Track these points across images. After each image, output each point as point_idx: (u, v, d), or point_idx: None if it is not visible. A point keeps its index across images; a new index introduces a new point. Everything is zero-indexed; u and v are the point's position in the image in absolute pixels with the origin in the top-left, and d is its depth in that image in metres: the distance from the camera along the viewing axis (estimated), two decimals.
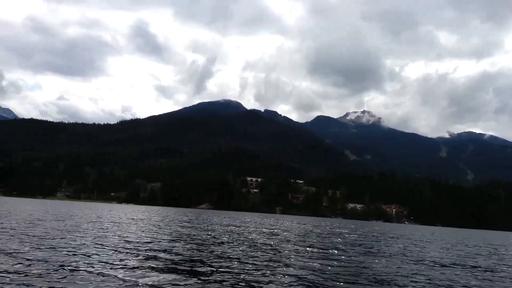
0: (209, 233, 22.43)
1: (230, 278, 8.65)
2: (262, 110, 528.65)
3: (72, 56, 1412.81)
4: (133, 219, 33.96)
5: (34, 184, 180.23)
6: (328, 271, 10.46)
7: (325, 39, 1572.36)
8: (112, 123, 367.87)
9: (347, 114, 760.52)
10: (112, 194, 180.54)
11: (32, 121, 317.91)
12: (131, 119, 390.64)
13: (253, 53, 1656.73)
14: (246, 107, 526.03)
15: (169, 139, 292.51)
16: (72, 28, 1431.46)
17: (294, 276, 9.33)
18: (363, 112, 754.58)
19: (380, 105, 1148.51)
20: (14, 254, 9.83)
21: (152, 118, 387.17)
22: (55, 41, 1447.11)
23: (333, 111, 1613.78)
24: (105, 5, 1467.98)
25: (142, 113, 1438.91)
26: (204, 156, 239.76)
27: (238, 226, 32.73)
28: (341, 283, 8.93)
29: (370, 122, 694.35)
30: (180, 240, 16.74)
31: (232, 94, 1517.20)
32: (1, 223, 19.07)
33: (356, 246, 19.73)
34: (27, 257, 9.38)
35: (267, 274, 9.32)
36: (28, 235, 14.38)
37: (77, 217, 30.01)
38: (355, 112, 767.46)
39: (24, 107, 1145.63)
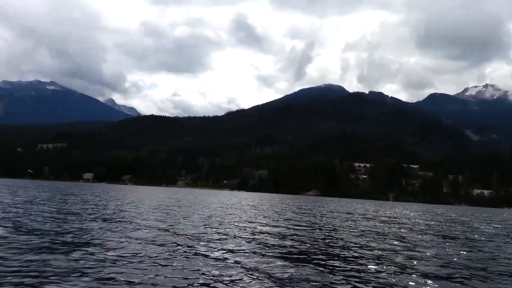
0: (324, 219, 21.23)
1: (361, 271, 7.32)
2: (367, 92, 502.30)
3: (181, 55, 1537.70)
4: (251, 205, 34.57)
5: (158, 174, 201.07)
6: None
7: (436, 8, 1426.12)
8: (219, 115, 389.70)
9: (466, 90, 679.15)
10: (224, 182, 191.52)
11: (152, 117, 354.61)
12: (236, 110, 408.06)
13: (354, 32, 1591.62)
14: (349, 90, 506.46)
15: (273, 127, 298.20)
16: (179, 28, 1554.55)
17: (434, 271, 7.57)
18: (486, 86, 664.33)
19: (506, 76, 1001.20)
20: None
21: (255, 108, 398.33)
22: (165, 42, 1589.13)
23: (449, 87, 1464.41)
24: (206, 2, 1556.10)
25: (246, 104, 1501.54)
26: (309, 142, 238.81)
27: (351, 213, 30.88)
28: None
29: (495, 97, 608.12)
30: (301, 226, 15.90)
31: (333, 78, 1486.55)
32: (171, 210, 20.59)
33: None
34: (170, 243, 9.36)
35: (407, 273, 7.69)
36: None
37: (202, 204, 31.58)
38: (476, 86, 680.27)
39: (145, 105, 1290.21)
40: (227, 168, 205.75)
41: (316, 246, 10.48)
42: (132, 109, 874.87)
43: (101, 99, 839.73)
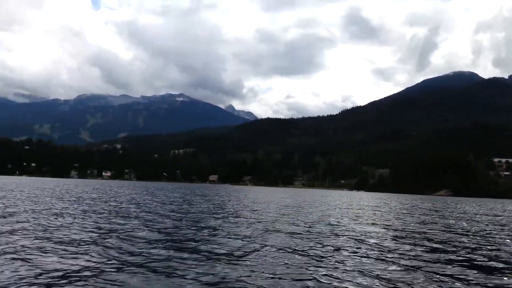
0: (471, 224, 17.68)
1: None
2: (506, 77, 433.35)
3: (293, 57, 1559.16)
4: (373, 206, 31.86)
5: (275, 174, 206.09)
6: None
7: None
8: (334, 113, 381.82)
9: None
10: (341, 181, 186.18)
11: (268, 120, 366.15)
12: (352, 107, 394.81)
13: (487, 10, 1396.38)
14: (483, 76, 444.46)
15: (393, 122, 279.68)
16: (291, 31, 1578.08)
17: None
18: None
19: None
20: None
21: (373, 104, 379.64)
22: (278, 46, 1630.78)
23: None
24: (317, 2, 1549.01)
25: (362, 100, 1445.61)
26: (435, 136, 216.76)
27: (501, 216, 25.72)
28: None
29: None
30: (447, 230, 13.25)
31: (463, 64, 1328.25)
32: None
33: None
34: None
35: None
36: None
37: (327, 205, 30.23)
38: None
39: (261, 109, 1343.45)
40: (345, 167, 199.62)
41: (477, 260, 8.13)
42: (249, 113, 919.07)
43: (222, 106, 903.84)
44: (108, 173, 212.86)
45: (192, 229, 11.51)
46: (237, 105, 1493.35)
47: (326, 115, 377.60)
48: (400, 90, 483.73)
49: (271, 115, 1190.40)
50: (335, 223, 15.49)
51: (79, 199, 24.21)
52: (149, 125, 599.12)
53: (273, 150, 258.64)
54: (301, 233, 11.59)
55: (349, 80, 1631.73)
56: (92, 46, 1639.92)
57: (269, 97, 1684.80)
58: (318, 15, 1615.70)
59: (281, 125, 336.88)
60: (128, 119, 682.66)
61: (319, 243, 9.86)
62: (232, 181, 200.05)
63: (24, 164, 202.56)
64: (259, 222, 14.40)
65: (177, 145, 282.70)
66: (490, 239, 12.61)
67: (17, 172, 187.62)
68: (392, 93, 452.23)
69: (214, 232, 11.00)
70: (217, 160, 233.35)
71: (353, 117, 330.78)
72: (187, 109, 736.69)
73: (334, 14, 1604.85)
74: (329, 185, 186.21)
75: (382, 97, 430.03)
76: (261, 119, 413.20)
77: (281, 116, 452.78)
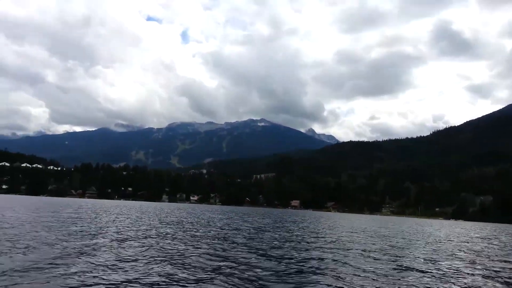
0: None
1: None
2: None
3: (377, 77, 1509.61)
4: (483, 237, 28.53)
5: (360, 200, 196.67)
6: None
7: None
8: (424, 135, 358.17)
9: None
10: (436, 209, 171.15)
11: (351, 143, 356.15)
12: (445, 127, 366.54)
13: None
14: None
15: (493, 143, 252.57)
16: (374, 50, 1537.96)
17: None
18: None
19: None
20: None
21: (469, 123, 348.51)
22: (360, 66, 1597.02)
23: None
24: (403, 18, 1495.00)
25: (456, 120, 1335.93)
26: None
27: None
28: None
29: None
30: None
31: None
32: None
33: None
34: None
35: None
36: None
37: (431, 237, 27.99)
38: None
39: (342, 131, 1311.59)
40: (439, 193, 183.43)
41: None
42: (330, 136, 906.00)
43: (302, 130, 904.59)
44: (195, 197, 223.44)
45: (309, 260, 11.23)
46: (318, 129, 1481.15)
47: (415, 137, 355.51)
48: (501, 107, 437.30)
49: (354, 138, 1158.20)
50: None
51: (180, 223, 25.52)
52: (232, 150, 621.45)
53: (357, 174, 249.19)
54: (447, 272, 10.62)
55: (441, 98, 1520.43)
56: (181, 77, 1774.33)
57: (351, 120, 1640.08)
58: (404, 32, 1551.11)
59: (364, 148, 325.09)
60: (213, 145, 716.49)
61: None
62: (315, 206, 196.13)
63: (122, 188, 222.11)
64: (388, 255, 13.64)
65: (259, 170, 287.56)
66: None
67: (116, 196, 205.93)
68: (491, 111, 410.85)
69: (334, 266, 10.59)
70: (298, 185, 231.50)
71: (446, 138, 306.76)
72: (268, 133, 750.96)
73: (421, 30, 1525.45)
74: (421, 213, 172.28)
75: (480, 115, 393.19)
76: (343, 142, 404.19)
77: (365, 139, 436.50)
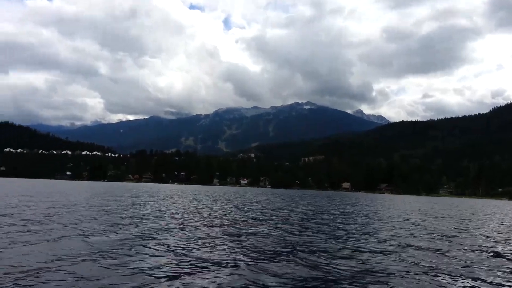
0: None
1: None
2: None
3: (428, 53, 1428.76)
4: None
5: (415, 181, 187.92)
6: None
7: None
8: (483, 112, 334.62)
9: None
10: (499, 189, 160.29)
11: (402, 123, 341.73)
12: (506, 104, 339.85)
13: None
14: None
15: None
16: (425, 25, 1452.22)
17: None
18: None
19: None
20: None
21: None
22: (410, 43, 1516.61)
23: None
24: None
25: None
26: None
27: None
28: None
29: None
30: None
31: None
32: None
33: None
34: None
35: None
36: None
37: None
38: None
39: (393, 111, 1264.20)
40: (503, 172, 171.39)
41: None
42: (380, 117, 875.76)
43: (350, 111, 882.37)
44: (245, 181, 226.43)
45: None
46: (366, 110, 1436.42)
47: (473, 114, 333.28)
48: None
49: (405, 117, 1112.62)
50: None
51: (247, 206, 25.57)
52: (279, 134, 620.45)
53: (410, 154, 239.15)
54: None
55: (500, 73, 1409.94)
56: (225, 63, 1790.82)
57: (402, 99, 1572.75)
58: (457, 4, 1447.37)
59: (418, 127, 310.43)
60: (259, 129, 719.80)
61: None
62: (367, 188, 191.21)
63: (175, 173, 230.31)
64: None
65: (306, 153, 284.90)
66: None
67: (170, 181, 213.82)
68: None
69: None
70: (349, 167, 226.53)
71: (507, 114, 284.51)
72: (315, 116, 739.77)
73: (476, 1, 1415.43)
74: (483, 194, 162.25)
75: None
76: (395, 122, 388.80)
77: (418, 118, 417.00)
